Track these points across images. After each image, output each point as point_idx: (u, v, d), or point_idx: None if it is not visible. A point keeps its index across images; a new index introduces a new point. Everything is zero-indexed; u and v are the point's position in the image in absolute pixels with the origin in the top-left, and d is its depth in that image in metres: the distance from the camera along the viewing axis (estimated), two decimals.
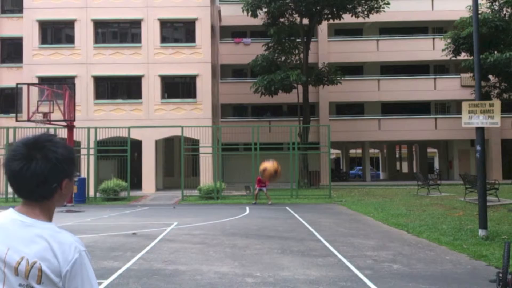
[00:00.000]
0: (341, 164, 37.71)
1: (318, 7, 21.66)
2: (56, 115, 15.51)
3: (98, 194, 16.97)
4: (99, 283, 5.00)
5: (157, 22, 21.43)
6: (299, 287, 4.91)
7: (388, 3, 22.13)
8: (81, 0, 21.35)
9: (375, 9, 22.16)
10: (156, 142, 21.28)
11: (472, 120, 8.05)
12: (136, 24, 21.62)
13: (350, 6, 21.71)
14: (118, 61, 21.23)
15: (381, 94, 26.95)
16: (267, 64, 21.97)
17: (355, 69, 27.84)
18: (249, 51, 25.31)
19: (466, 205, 13.00)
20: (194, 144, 20.10)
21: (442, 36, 23.91)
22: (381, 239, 8.11)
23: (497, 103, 8.10)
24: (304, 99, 22.82)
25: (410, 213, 11.61)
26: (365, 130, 26.51)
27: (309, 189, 20.35)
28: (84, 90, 20.93)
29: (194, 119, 20.50)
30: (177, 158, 22.47)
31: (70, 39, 21.65)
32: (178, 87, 21.87)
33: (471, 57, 19.76)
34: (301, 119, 23.05)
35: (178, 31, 22.20)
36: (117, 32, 22.06)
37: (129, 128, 17.58)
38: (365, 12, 22.36)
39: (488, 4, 21.32)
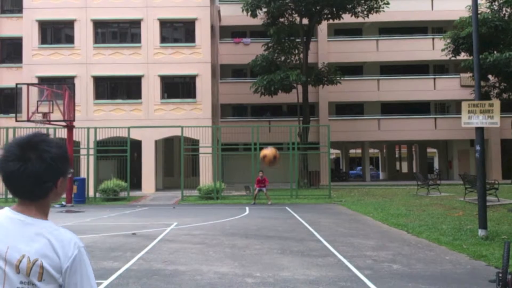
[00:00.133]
0: (341, 164, 37.73)
1: (317, 7, 21.67)
2: (56, 115, 15.50)
3: (97, 194, 16.96)
4: (99, 284, 5.00)
5: (156, 22, 21.43)
6: (299, 287, 4.91)
7: (388, 3, 22.13)
8: (81, 0, 21.34)
9: (375, 9, 22.16)
10: (156, 142, 21.28)
11: (472, 120, 8.06)
12: (135, 24, 21.62)
13: (350, 6, 21.72)
14: (117, 61, 21.23)
15: (381, 94, 26.95)
16: (267, 64, 21.97)
17: (354, 69, 27.85)
18: (249, 51, 25.31)
19: (466, 205, 13.00)
20: (194, 144, 20.10)
21: (441, 36, 23.93)
22: (381, 239, 8.11)
23: (496, 103, 8.11)
24: (303, 99, 22.82)
25: (409, 213, 11.62)
26: (365, 130, 26.51)
27: (309, 189, 20.35)
28: (84, 90, 20.92)
29: (193, 119, 20.50)
30: (177, 158, 22.46)
31: (69, 39, 21.65)
32: (177, 87, 21.87)
33: (471, 57, 19.78)
34: (301, 119, 23.05)
35: (177, 31, 22.20)
36: (116, 32, 22.06)
37: (128, 128, 17.57)
38: (365, 12, 22.37)
39: (488, 4, 21.33)
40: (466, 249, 6.94)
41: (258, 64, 22.07)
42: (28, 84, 15.78)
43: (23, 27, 21.44)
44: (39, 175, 1.22)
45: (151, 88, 21.18)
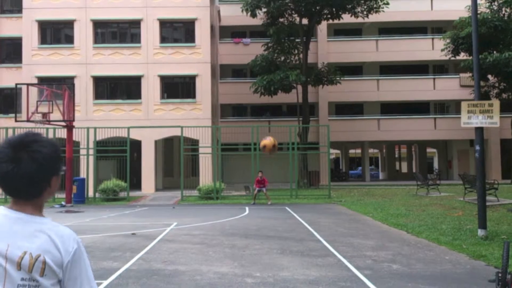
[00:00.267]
0: (341, 164, 37.73)
1: (317, 7, 21.67)
2: (56, 115, 15.50)
3: (97, 195, 16.96)
4: (98, 284, 5.00)
5: (156, 22, 21.43)
6: (298, 287, 4.91)
7: (387, 3, 22.14)
8: (81, 0, 21.34)
9: (375, 9, 22.17)
10: (156, 142, 21.28)
11: (471, 120, 8.06)
12: (135, 24, 21.62)
13: (350, 6, 21.73)
14: (117, 61, 21.23)
15: (381, 94, 26.96)
16: (267, 64, 21.98)
17: (354, 69, 27.86)
18: (249, 51, 25.31)
19: (466, 205, 13.00)
20: (193, 144, 20.10)
21: (441, 36, 23.94)
22: (381, 239, 8.12)
23: (496, 103, 8.11)
24: (303, 99, 22.82)
25: (409, 213, 11.62)
26: (365, 130, 26.52)
27: (309, 189, 20.35)
28: (84, 90, 20.92)
29: (193, 119, 20.50)
30: (177, 158, 22.46)
31: (69, 39, 21.64)
32: (177, 87, 21.87)
33: (470, 57, 19.79)
34: (301, 119, 23.05)
35: (177, 31, 22.20)
36: (116, 32, 22.06)
37: (128, 128, 17.57)
38: (365, 12, 22.37)
39: (487, 4, 21.35)
40: (465, 249, 6.94)
41: (258, 64, 22.07)
42: (27, 84, 15.77)
43: (22, 27, 21.44)
44: (33, 176, 1.24)
45: (151, 88, 21.18)
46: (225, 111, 27.95)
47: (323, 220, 10.72)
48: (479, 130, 8.05)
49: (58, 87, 16.82)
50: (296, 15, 22.69)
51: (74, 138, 16.12)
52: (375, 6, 22.08)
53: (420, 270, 5.69)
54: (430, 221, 10.04)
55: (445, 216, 10.82)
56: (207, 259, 6.37)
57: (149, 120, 20.78)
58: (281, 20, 22.71)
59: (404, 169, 35.63)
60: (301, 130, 21.54)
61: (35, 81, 20.32)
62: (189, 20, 21.55)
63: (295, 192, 17.33)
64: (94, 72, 21.17)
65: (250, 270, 5.70)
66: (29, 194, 1.26)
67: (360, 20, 23.56)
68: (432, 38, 27.20)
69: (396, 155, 35.43)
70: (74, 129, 15.85)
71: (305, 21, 22.80)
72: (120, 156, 17.71)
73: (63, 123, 15.59)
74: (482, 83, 21.67)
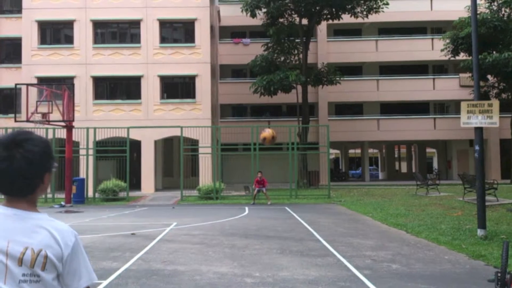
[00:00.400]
0: (340, 164, 37.75)
1: (317, 8, 21.68)
2: (55, 115, 15.50)
3: (97, 195, 16.96)
4: (98, 284, 5.01)
5: (156, 22, 21.43)
6: (298, 287, 4.92)
7: (387, 4, 22.15)
8: (80, 1, 21.34)
9: (374, 10, 22.19)
10: (155, 142, 21.28)
11: (471, 120, 8.07)
12: (135, 24, 21.62)
13: (349, 6, 21.74)
14: (117, 62, 21.23)
15: (380, 94, 26.97)
16: (266, 64, 21.98)
17: (354, 69, 27.87)
18: (248, 51, 25.32)
19: (465, 205, 13.01)
20: (193, 144, 20.10)
21: (441, 36, 23.96)
22: (380, 239, 8.12)
23: (495, 103, 8.12)
24: (303, 99, 22.83)
25: (409, 213, 11.62)
26: (364, 130, 26.53)
27: (308, 189, 20.35)
28: (83, 91, 20.92)
29: (193, 119, 20.50)
30: (176, 158, 22.46)
31: (69, 40, 21.64)
32: (177, 87, 21.87)
33: (470, 57, 19.80)
34: (301, 119, 23.06)
35: (177, 32, 22.20)
36: (116, 32, 22.06)
37: (128, 128, 17.57)
38: (364, 13, 22.39)
39: (487, 4, 21.37)
40: (465, 249, 6.95)
41: (257, 64, 22.08)
42: (27, 85, 15.78)
43: (22, 27, 21.43)
44: (26, 173, 1.27)
45: (151, 88, 21.18)
46: (225, 111, 27.95)
47: (323, 220, 10.72)
48: (479, 130, 8.05)
49: (58, 87, 16.82)
50: (296, 15, 22.70)
51: (73, 138, 16.12)
52: (374, 6, 22.09)
53: (419, 270, 5.69)
54: (429, 221, 10.04)
55: (444, 216, 10.83)
56: (207, 259, 6.38)
57: (148, 120, 20.78)
58: (281, 20, 22.71)
59: (404, 169, 35.65)
60: (300, 130, 21.55)
61: (35, 81, 20.32)
62: (189, 20, 21.55)
63: (294, 192, 17.33)
64: (93, 72, 21.17)
65: (250, 270, 5.70)
66: (23, 191, 1.28)
67: (359, 20, 23.56)
68: (432, 38, 27.22)
69: (396, 155, 35.44)
70: (73, 129, 15.85)
71: (304, 21, 22.81)
72: (119, 156, 17.71)
73: (63, 123, 15.58)
74: (481, 83, 21.67)
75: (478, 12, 17.19)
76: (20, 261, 1.23)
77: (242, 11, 21.85)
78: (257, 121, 25.43)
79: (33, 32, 21.23)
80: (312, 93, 25.24)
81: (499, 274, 4.17)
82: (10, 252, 1.23)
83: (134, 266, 5.94)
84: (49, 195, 16.69)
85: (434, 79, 27.30)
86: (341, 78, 23.28)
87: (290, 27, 22.73)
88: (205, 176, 18.83)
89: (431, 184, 17.29)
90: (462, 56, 21.67)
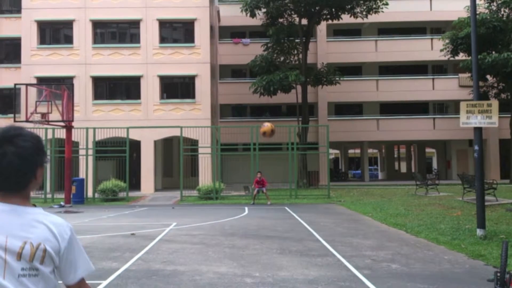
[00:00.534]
0: (340, 164, 37.76)
1: (317, 8, 21.69)
2: (55, 115, 15.49)
3: (96, 195, 16.95)
4: (98, 284, 5.01)
5: (156, 22, 21.43)
6: (298, 287, 4.92)
7: (387, 4, 22.17)
8: (80, 1, 21.33)
9: (374, 10, 22.20)
10: (155, 142, 21.28)
11: (470, 120, 8.08)
12: (135, 24, 21.61)
13: (349, 6, 21.75)
14: (116, 62, 21.22)
15: (380, 94, 26.99)
16: (266, 64, 21.99)
17: (353, 70, 27.89)
18: (248, 52, 25.32)
19: (464, 204, 13.03)
20: (193, 144, 20.10)
21: (440, 37, 23.97)
22: (380, 238, 8.13)
23: (495, 103, 8.13)
24: (303, 99, 22.84)
25: (408, 213, 11.64)
26: (364, 130, 26.55)
27: (308, 189, 20.36)
28: (83, 91, 20.91)
29: (193, 119, 20.50)
30: (176, 158, 22.46)
31: (68, 40, 21.63)
32: (177, 88, 21.87)
33: (469, 58, 19.82)
34: (300, 119, 23.06)
35: (177, 32, 22.20)
36: (115, 32, 22.05)
37: (127, 128, 17.56)
38: (364, 13, 22.40)
39: (486, 4, 21.39)
40: (464, 249, 6.95)
41: (257, 65, 22.08)
42: (26, 85, 15.77)
43: (21, 27, 21.42)
44: (18, 169, 1.28)
45: (150, 89, 21.18)
46: (224, 111, 27.95)
47: (323, 220, 10.73)
48: (478, 130, 8.06)
49: (57, 87, 16.81)
50: (295, 15, 22.71)
51: (73, 138, 16.12)
52: (374, 6, 22.11)
53: (419, 270, 5.70)
54: (429, 221, 10.05)
55: (444, 216, 10.84)
56: (207, 259, 6.38)
57: (148, 120, 20.77)
58: (280, 20, 22.72)
59: (403, 169, 35.68)
60: (300, 130, 21.55)
61: (34, 81, 20.31)
62: (189, 21, 21.55)
63: (294, 192, 17.33)
64: (93, 72, 21.16)
65: (250, 270, 5.70)
66: (16, 186, 1.29)
67: (359, 20, 23.58)
68: (431, 39, 27.24)
69: (395, 155, 35.47)
70: (73, 129, 15.85)
71: (304, 21, 22.82)
72: (119, 156, 17.70)
73: (62, 123, 15.57)
74: (481, 83, 21.71)
75: (478, 12, 17.20)
76: (19, 256, 1.24)
77: (241, 11, 21.85)
78: (256, 121, 25.41)
79: (32, 32, 21.22)
80: (312, 93, 25.26)
81: (498, 274, 4.18)
82: (9, 247, 1.24)
83: (134, 266, 5.94)
84: (49, 195, 16.69)
85: (433, 79, 27.33)
86: (341, 78, 23.30)
87: (290, 27, 22.74)
88: (205, 176, 18.83)
89: (431, 184, 17.30)
90: (461, 56, 21.69)
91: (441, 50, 22.37)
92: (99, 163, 18.02)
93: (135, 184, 20.86)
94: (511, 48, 20.17)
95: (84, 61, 21.22)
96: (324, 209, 13.61)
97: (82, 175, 17.82)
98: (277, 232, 8.95)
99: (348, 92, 26.25)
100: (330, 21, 23.29)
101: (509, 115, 22.66)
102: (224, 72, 28.17)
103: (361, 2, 21.92)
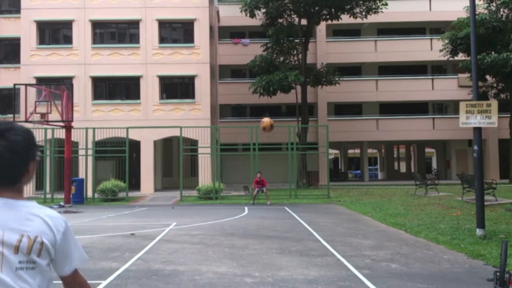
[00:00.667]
0: (340, 164, 37.78)
1: (316, 8, 21.71)
2: (54, 115, 15.49)
3: (96, 195, 16.95)
4: (98, 284, 5.01)
5: (155, 22, 21.43)
6: (297, 287, 4.93)
7: (386, 4, 22.19)
8: (79, 1, 21.32)
9: (373, 10, 22.22)
10: (155, 142, 21.27)
11: (470, 120, 8.09)
12: (134, 24, 21.61)
13: (348, 7, 21.77)
14: (116, 62, 21.22)
15: (379, 95, 27.01)
16: (266, 64, 22.00)
17: (353, 70, 27.90)
18: (248, 52, 25.33)
19: (464, 204, 13.04)
20: (192, 144, 20.10)
21: (439, 37, 24.00)
22: (379, 238, 8.13)
23: (494, 103, 8.14)
24: (302, 99, 22.85)
25: (408, 213, 11.64)
26: (364, 130, 26.56)
27: (308, 189, 20.37)
28: (82, 91, 20.90)
29: (192, 119, 20.50)
30: (176, 158, 22.46)
31: (68, 40, 21.62)
32: (176, 88, 21.87)
33: (469, 58, 19.84)
34: (300, 119, 23.07)
35: (176, 32, 22.20)
36: (115, 32, 22.05)
37: (127, 128, 17.56)
38: (363, 13, 22.42)
39: (485, 5, 21.42)
40: (464, 249, 6.96)
41: (257, 65, 22.09)
42: (26, 85, 15.77)
43: (21, 27, 21.41)
44: (11, 163, 1.28)
45: (150, 89, 21.18)
46: (224, 112, 27.96)
47: (322, 220, 10.74)
48: (478, 130, 8.07)
49: (57, 87, 16.81)
50: (295, 15, 22.72)
51: (72, 139, 16.11)
52: (373, 7, 22.13)
53: (418, 270, 5.71)
54: (428, 221, 10.06)
55: (443, 216, 10.85)
56: (206, 259, 6.38)
57: (148, 121, 20.77)
58: (280, 20, 22.74)
59: (403, 169, 35.70)
60: (300, 130, 21.56)
61: (34, 81, 20.30)
62: (188, 21, 21.55)
63: (294, 192, 17.34)
64: (92, 72, 21.16)
65: (249, 270, 5.70)
66: (9, 180, 1.30)
67: (359, 20, 23.60)
68: (431, 39, 27.26)
69: (395, 155, 35.49)
70: (72, 130, 15.84)
71: (304, 21, 22.83)
72: (119, 156, 17.70)
73: (62, 124, 15.57)
74: (480, 84, 21.73)
75: (477, 12, 17.23)
76: (17, 249, 1.25)
77: (241, 11, 21.87)
78: (256, 121, 25.38)
79: (31, 32, 21.21)
80: (312, 93, 25.27)
81: (498, 274, 4.19)
82: (6, 241, 1.24)
83: (133, 266, 5.94)
84: (48, 195, 16.68)
85: (433, 79, 27.35)
86: (340, 78, 23.31)
87: (289, 27, 22.75)
88: (205, 176, 18.83)
89: (430, 184, 17.32)
90: (461, 56, 21.72)
91: (441, 50, 22.39)
92: (98, 163, 18.01)
93: (134, 184, 20.86)
94: (510, 48, 20.19)
95: (83, 61, 21.21)
96: (324, 209, 13.62)
97: (81, 175, 17.81)
98: (277, 232, 8.96)
99: (348, 92, 26.27)
100: (329, 21, 23.30)
101: (509, 115, 22.68)
102: (224, 72, 28.17)
103: (361, 2, 21.94)
